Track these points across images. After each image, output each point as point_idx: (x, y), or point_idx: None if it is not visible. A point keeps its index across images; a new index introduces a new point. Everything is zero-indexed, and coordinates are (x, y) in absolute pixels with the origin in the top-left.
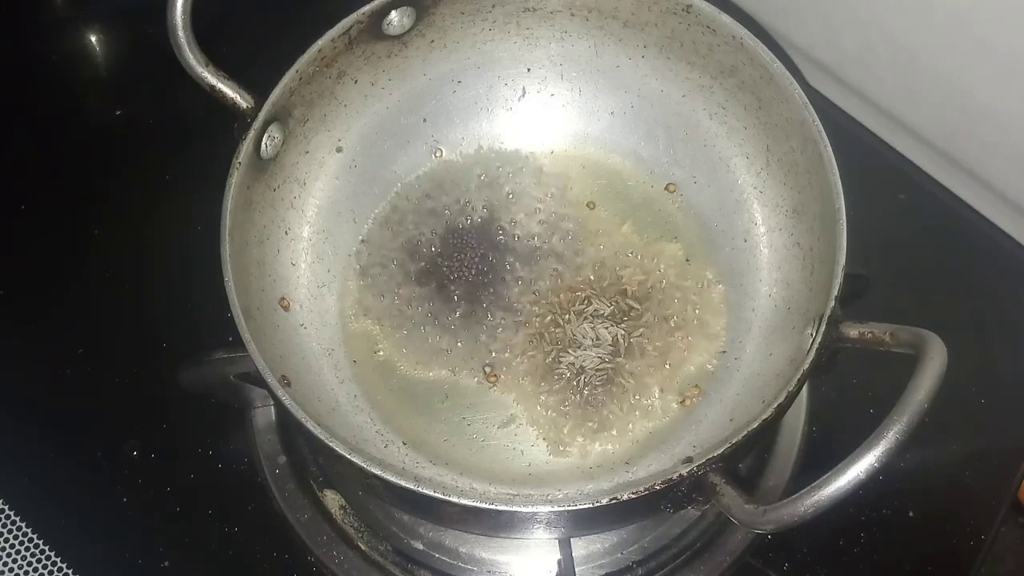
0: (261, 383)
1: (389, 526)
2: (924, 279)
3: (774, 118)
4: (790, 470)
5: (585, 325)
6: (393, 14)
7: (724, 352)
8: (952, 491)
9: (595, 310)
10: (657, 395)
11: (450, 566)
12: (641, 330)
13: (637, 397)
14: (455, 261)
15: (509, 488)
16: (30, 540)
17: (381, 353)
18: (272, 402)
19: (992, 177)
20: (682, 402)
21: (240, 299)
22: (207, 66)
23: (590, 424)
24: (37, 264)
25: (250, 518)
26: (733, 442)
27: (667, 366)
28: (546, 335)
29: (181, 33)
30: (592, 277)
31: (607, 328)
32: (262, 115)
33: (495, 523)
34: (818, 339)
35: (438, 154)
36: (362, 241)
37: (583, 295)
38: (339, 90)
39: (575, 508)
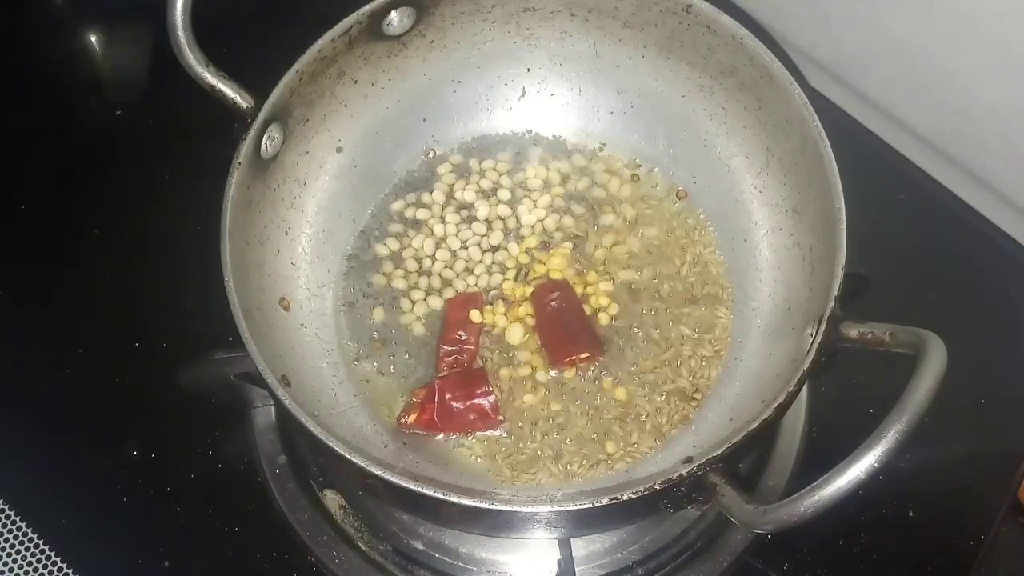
0: (261, 383)
1: (389, 526)
2: (924, 279)
3: (774, 118)
4: (790, 470)
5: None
6: (393, 14)
7: (724, 352)
8: (952, 491)
9: (595, 308)
10: (657, 395)
11: (450, 566)
12: (641, 330)
13: (636, 398)
14: (456, 261)
15: (509, 488)
16: (30, 540)
17: (381, 353)
18: (272, 402)
19: (992, 177)
20: (683, 402)
21: (240, 299)
22: (207, 66)
23: (589, 422)
24: (37, 264)
25: (250, 518)
26: (733, 442)
27: (667, 366)
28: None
29: (181, 33)
30: (593, 276)
31: (607, 327)
32: (262, 115)
33: (495, 523)
34: (818, 339)
35: (437, 154)
36: (361, 241)
37: (584, 292)
38: (339, 90)
39: (575, 508)
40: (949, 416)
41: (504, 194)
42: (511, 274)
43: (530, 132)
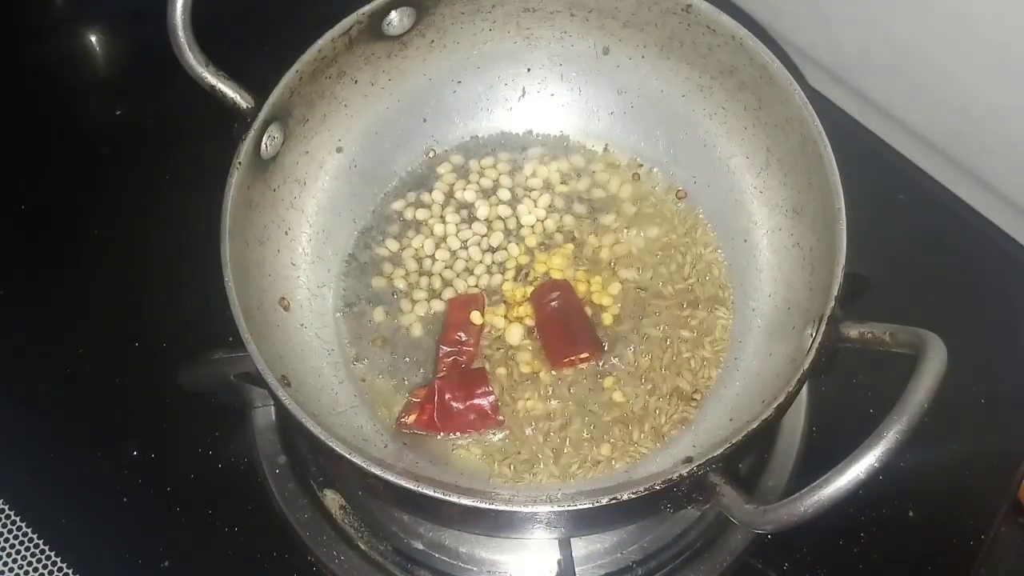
0: (261, 383)
1: (389, 526)
2: (924, 279)
3: (774, 118)
4: (790, 470)
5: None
6: (393, 14)
7: (724, 352)
8: (952, 491)
9: (596, 309)
10: (656, 396)
11: (450, 566)
12: (641, 330)
13: (636, 398)
14: (456, 261)
15: (509, 488)
16: (30, 540)
17: (381, 353)
18: (272, 402)
19: (992, 177)
20: (682, 402)
21: (240, 299)
22: (207, 66)
23: (589, 422)
24: (37, 264)
25: (250, 518)
26: (733, 442)
27: (667, 366)
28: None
29: (181, 33)
30: (594, 277)
31: (607, 327)
32: (262, 115)
33: (495, 523)
34: (818, 339)
35: (437, 154)
36: (361, 241)
37: (584, 293)
38: (339, 90)
39: (575, 508)
40: (949, 416)
41: (504, 194)
42: (511, 274)
43: (530, 132)
